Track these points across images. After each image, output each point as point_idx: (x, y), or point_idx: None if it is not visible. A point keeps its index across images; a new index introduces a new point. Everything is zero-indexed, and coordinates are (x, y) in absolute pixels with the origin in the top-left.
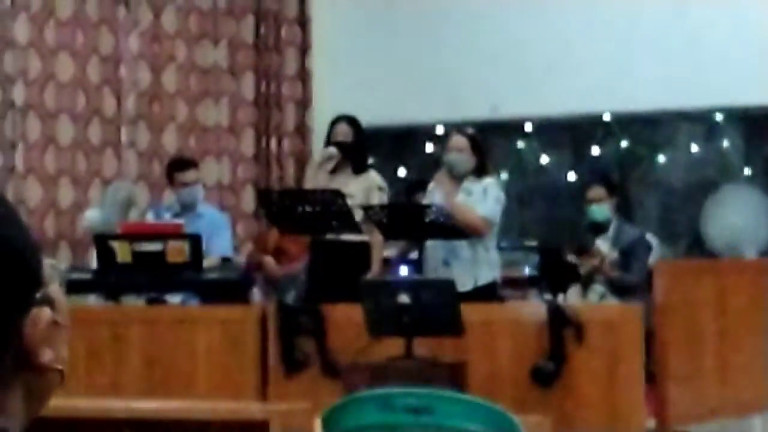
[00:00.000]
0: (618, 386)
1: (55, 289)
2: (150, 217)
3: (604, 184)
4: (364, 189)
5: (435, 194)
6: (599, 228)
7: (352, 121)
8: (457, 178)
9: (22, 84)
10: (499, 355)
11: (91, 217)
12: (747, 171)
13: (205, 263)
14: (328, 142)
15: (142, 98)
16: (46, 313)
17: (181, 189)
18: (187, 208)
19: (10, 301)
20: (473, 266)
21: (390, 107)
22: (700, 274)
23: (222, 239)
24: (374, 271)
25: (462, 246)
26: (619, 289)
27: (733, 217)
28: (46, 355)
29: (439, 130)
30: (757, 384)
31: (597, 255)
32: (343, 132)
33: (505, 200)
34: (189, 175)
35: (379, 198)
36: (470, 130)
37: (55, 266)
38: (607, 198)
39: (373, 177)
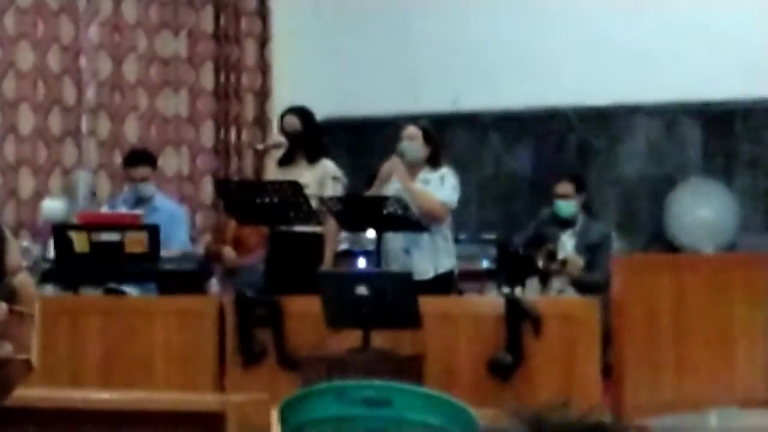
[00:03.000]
0: (575, 379)
1: (21, 278)
2: (105, 210)
3: (572, 181)
4: (318, 178)
5: (391, 183)
6: (565, 223)
7: (300, 111)
8: (410, 166)
9: None
10: (457, 347)
11: (50, 207)
12: (705, 166)
13: (164, 255)
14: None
15: (102, 88)
16: (2, 309)
17: (131, 183)
18: (141, 201)
19: None
20: (433, 254)
21: (350, 99)
22: (658, 268)
23: (180, 233)
24: (327, 262)
25: (422, 235)
26: (583, 287)
27: (691, 211)
28: (3, 349)
29: (398, 122)
30: (714, 378)
31: (558, 255)
32: (290, 123)
33: (460, 190)
34: (139, 171)
35: (332, 188)
36: (422, 122)
37: (27, 250)
38: (574, 194)
39: (328, 166)
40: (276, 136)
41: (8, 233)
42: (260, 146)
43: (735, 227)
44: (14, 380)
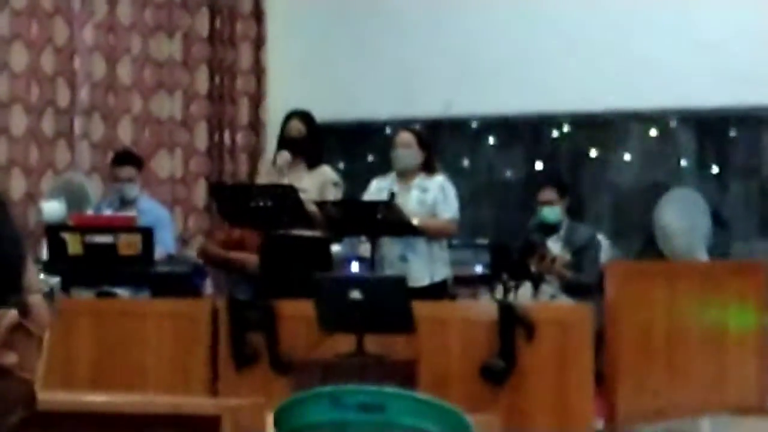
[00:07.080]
0: (568, 386)
1: (36, 299)
2: (90, 213)
3: (556, 186)
4: (319, 184)
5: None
6: (550, 229)
7: (305, 116)
8: (405, 174)
9: None
10: (450, 353)
11: (50, 208)
12: (699, 173)
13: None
14: (282, 137)
15: (96, 90)
16: (12, 314)
17: (116, 183)
18: (125, 203)
19: None
20: (429, 262)
21: (344, 103)
22: (651, 275)
23: (164, 236)
24: None
25: (419, 241)
26: (572, 289)
27: (684, 219)
28: (8, 358)
29: (392, 126)
30: (706, 385)
31: (548, 255)
32: (296, 128)
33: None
34: (124, 171)
35: (333, 193)
36: (417, 127)
37: (45, 282)
38: (558, 200)
39: (328, 172)
40: (282, 155)
41: (30, 258)
42: (278, 167)
43: (728, 235)
44: (13, 399)
